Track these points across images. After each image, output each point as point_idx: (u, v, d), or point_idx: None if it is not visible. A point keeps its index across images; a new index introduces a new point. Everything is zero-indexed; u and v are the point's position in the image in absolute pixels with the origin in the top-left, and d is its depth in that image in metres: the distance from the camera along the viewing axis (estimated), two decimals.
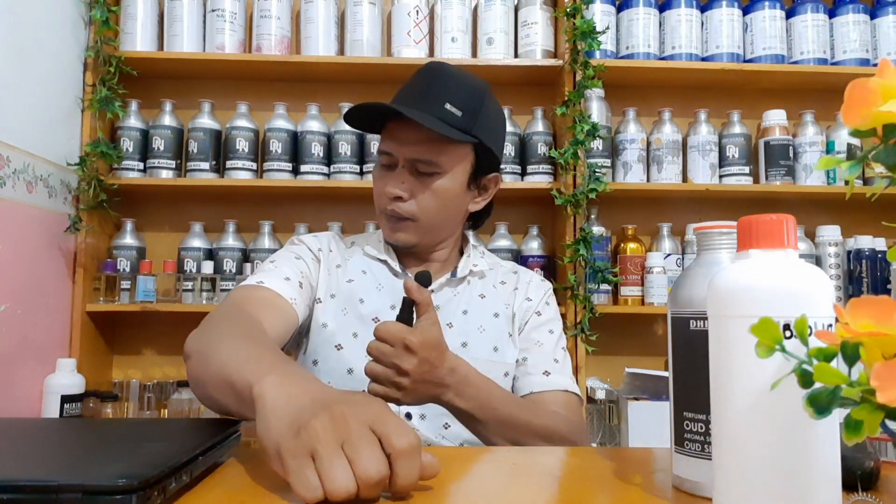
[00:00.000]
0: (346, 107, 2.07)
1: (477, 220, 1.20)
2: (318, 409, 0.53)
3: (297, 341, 1.10)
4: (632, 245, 2.08)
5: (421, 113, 1.00)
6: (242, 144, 2.01)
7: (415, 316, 0.88)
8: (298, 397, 0.57)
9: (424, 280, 1.09)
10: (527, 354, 1.11)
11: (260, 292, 0.99)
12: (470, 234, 1.36)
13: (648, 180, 2.09)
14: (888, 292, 1.94)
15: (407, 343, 0.81)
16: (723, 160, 2.11)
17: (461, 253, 1.20)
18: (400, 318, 0.87)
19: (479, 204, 1.14)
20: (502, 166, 2.04)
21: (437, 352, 0.85)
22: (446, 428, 1.02)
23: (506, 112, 2.07)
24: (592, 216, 2.04)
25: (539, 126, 2.07)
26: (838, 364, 0.37)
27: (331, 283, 1.11)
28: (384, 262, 1.14)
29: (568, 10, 1.98)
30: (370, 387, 0.84)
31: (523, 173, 2.08)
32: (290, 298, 1.01)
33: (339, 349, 1.05)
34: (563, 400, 1.07)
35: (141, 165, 2.01)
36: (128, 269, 1.98)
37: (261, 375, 0.61)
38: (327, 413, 0.52)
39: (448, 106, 1.01)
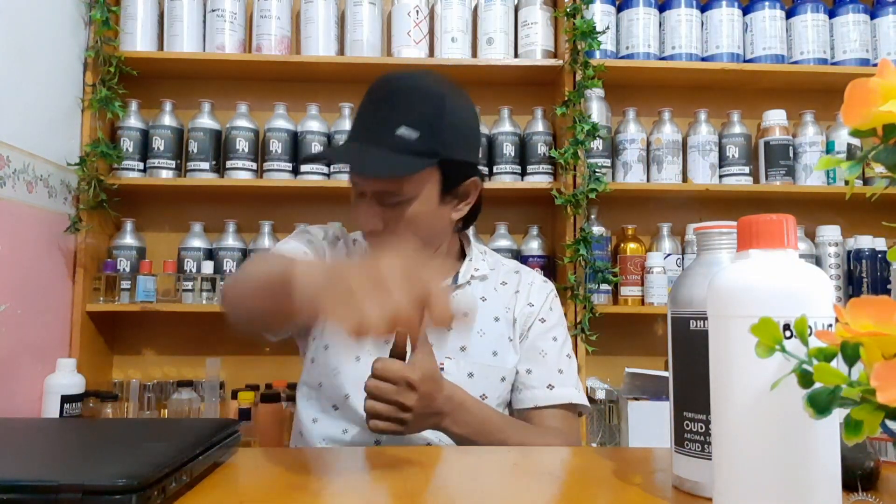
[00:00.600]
0: (346, 107, 2.07)
1: (466, 223, 1.16)
2: (348, 264, 0.62)
3: (306, 330, 1.13)
4: (632, 245, 2.08)
5: (372, 150, 0.96)
6: (242, 144, 2.01)
7: (408, 347, 0.88)
8: (329, 266, 0.68)
9: None
10: (531, 366, 1.10)
11: (277, 252, 1.05)
12: (471, 234, 1.35)
13: (648, 180, 2.09)
14: (888, 292, 1.94)
15: (409, 381, 0.83)
16: (723, 160, 2.11)
17: (462, 253, 1.18)
18: (394, 352, 0.88)
19: (463, 210, 1.09)
20: (503, 166, 2.06)
21: (435, 383, 0.87)
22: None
23: (505, 112, 2.09)
24: (592, 216, 2.04)
25: (539, 126, 2.07)
26: (838, 364, 0.37)
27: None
28: None
29: (568, 10, 1.98)
30: (371, 423, 0.86)
31: (523, 173, 2.08)
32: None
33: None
34: (563, 415, 1.08)
35: (141, 165, 2.01)
36: (128, 269, 1.98)
37: (292, 266, 0.69)
38: (358, 264, 0.60)
39: (402, 130, 0.95)
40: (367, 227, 1.03)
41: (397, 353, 0.87)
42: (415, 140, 0.96)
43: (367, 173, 0.98)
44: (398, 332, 0.86)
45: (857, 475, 0.56)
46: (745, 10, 2.13)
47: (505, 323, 1.12)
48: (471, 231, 2.04)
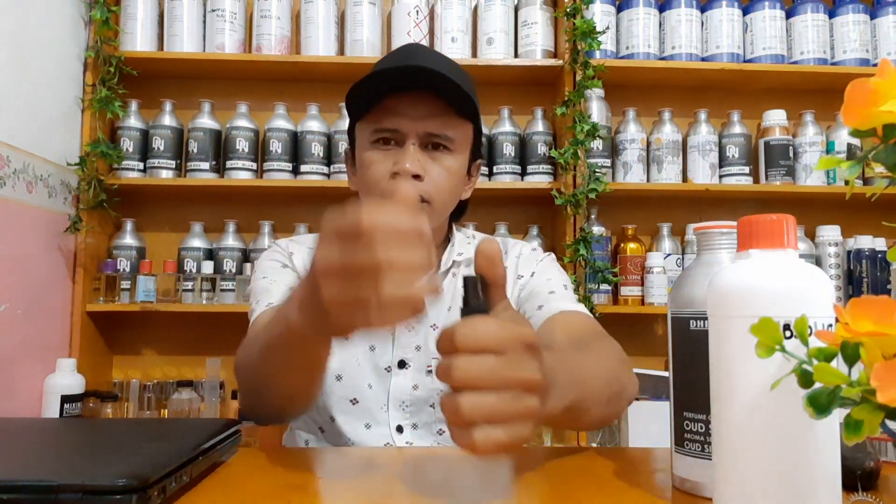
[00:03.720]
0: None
1: (459, 214, 1.06)
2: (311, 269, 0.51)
3: None
4: (632, 245, 2.08)
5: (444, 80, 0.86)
6: (242, 144, 2.01)
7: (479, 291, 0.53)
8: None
9: None
10: (524, 308, 0.98)
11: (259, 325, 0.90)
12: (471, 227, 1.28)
13: (648, 180, 2.09)
14: (888, 292, 1.94)
15: (526, 340, 0.48)
16: (723, 160, 2.11)
17: (447, 241, 1.05)
18: (469, 309, 0.51)
19: (468, 192, 1.03)
20: (502, 166, 2.06)
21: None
22: (440, 434, 0.97)
23: (505, 112, 2.10)
24: (592, 216, 2.04)
25: (539, 126, 2.07)
26: (838, 364, 0.37)
27: None
28: None
29: (568, 10, 1.98)
30: (478, 439, 0.45)
31: (523, 173, 2.08)
32: None
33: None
34: (563, 321, 0.89)
35: (141, 165, 2.01)
36: (128, 269, 1.98)
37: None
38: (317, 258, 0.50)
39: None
40: (412, 170, 0.88)
41: (477, 307, 0.51)
42: (464, 93, 0.88)
43: (444, 84, 0.85)
44: (469, 279, 0.52)
45: (857, 475, 0.56)
46: (745, 10, 2.13)
47: None
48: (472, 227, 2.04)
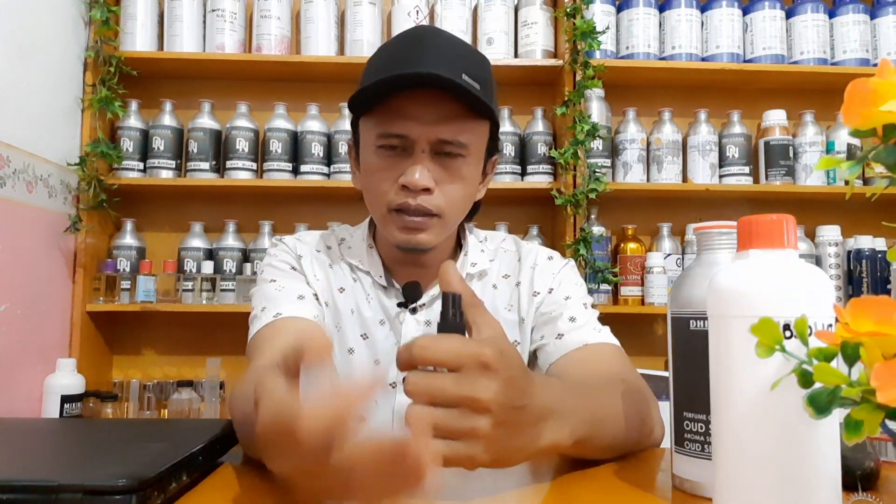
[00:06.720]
0: (346, 107, 2.06)
1: (472, 213, 0.97)
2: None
3: None
4: (632, 245, 2.08)
5: (455, 83, 0.78)
6: (242, 144, 2.01)
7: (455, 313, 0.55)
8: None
9: (413, 293, 0.92)
10: (541, 332, 0.94)
11: (284, 325, 0.87)
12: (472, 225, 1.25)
13: (648, 180, 2.09)
14: (888, 292, 1.94)
15: (481, 360, 0.48)
16: (723, 160, 2.11)
17: (458, 248, 0.99)
18: (445, 326, 0.52)
19: (482, 192, 0.95)
20: (502, 166, 2.06)
21: (520, 371, 0.52)
22: None
23: (505, 112, 2.10)
24: (592, 216, 2.04)
25: (539, 126, 2.07)
26: (838, 364, 0.37)
27: (322, 289, 0.95)
28: (367, 272, 0.95)
29: (568, 10, 1.98)
30: (422, 450, 0.46)
31: (523, 173, 2.08)
32: (313, 317, 0.89)
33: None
34: (586, 357, 0.87)
35: (141, 165, 2.01)
36: (128, 269, 1.98)
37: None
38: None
39: (465, 77, 0.80)
40: (421, 184, 0.82)
41: (451, 327, 0.52)
42: (478, 90, 0.81)
43: (457, 90, 0.79)
44: (446, 296, 0.53)
45: (857, 475, 0.56)
46: (745, 10, 2.13)
47: (509, 325, 0.95)
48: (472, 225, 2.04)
